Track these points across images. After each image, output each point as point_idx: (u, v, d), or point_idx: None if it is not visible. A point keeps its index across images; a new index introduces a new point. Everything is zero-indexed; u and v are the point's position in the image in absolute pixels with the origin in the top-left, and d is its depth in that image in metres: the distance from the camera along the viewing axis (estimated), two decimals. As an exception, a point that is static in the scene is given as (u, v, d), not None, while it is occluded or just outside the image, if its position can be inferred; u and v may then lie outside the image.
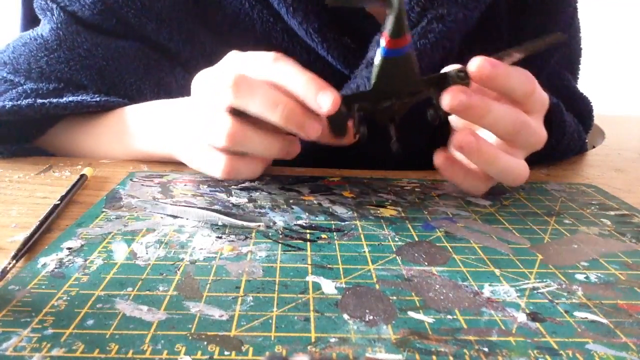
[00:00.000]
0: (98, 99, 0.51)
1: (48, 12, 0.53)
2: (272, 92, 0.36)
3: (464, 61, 0.39)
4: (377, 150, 0.55)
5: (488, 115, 0.36)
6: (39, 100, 0.49)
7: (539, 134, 0.40)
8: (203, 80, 0.41)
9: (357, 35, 0.51)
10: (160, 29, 0.52)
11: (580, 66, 0.64)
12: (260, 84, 0.37)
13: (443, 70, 0.38)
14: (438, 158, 0.40)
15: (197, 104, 0.41)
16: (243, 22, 0.52)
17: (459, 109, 0.36)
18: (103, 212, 0.37)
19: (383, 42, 0.34)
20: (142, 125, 0.50)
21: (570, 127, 0.54)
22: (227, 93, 0.37)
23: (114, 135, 0.51)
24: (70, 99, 0.50)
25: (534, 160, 0.42)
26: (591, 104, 0.62)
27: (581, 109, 0.60)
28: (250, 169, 0.42)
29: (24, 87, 0.52)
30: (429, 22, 0.48)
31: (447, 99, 0.36)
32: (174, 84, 0.53)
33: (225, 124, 0.38)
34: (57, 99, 0.50)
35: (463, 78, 0.36)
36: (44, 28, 0.54)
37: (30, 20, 0.60)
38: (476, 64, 0.36)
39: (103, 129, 0.52)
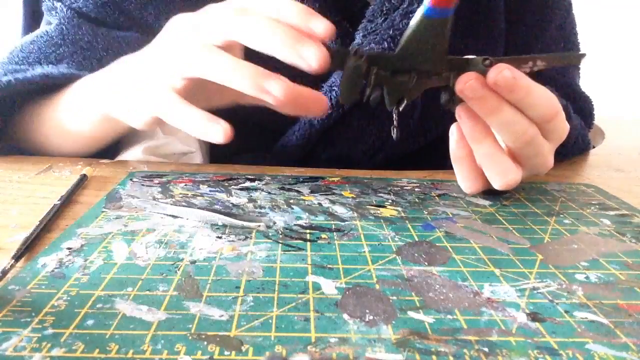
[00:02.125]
0: (65, 71, 0.50)
1: (53, 11, 0.55)
2: (270, 21, 0.34)
3: (455, 52, 0.39)
4: (373, 145, 0.55)
5: (499, 114, 0.36)
6: (4, 78, 0.48)
7: (546, 158, 0.40)
8: (186, 19, 0.38)
9: (355, 20, 0.52)
10: (160, 20, 0.53)
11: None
12: (259, 14, 0.34)
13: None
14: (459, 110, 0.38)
15: (174, 37, 0.38)
16: None
17: (470, 96, 0.35)
18: (103, 212, 0.37)
19: (428, 1, 0.32)
20: (76, 93, 0.48)
21: (575, 131, 0.55)
22: (224, 23, 0.34)
23: (50, 116, 0.50)
24: (37, 72, 0.49)
25: None
26: (592, 103, 0.62)
27: (582, 108, 0.60)
28: (184, 113, 0.37)
29: (4, 69, 0.52)
30: (410, 3, 0.49)
31: (460, 83, 0.35)
32: None
33: (200, 48, 0.35)
34: (23, 74, 0.48)
35: (488, 66, 0.35)
36: (49, 25, 0.55)
37: (31, 22, 0.60)
38: (498, 70, 0.34)
39: (46, 111, 0.51)
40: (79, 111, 0.48)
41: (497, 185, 0.39)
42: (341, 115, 0.51)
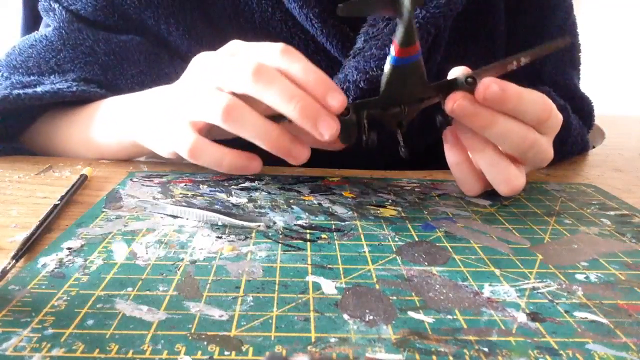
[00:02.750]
0: (75, 88, 0.51)
1: (51, 13, 0.54)
2: (290, 85, 0.35)
3: (455, 56, 0.39)
4: (380, 151, 0.55)
5: (494, 126, 0.36)
6: (15, 92, 0.49)
7: (546, 153, 0.40)
8: (209, 62, 0.39)
9: (356, 24, 0.52)
10: (160, 23, 0.53)
11: (581, 61, 0.64)
12: (279, 76, 0.36)
13: (451, 76, 0.38)
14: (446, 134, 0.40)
15: (195, 83, 0.40)
16: (242, 13, 0.53)
17: (461, 114, 0.36)
18: (103, 212, 0.37)
19: (393, 51, 0.34)
20: (108, 116, 0.49)
21: (574, 130, 0.55)
22: (245, 79, 0.36)
23: (81, 131, 0.51)
24: (47, 88, 0.50)
25: None
26: (592, 104, 0.62)
27: (582, 109, 0.60)
28: (215, 155, 0.39)
29: (11, 79, 0.52)
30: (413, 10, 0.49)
31: (449, 103, 0.35)
32: (173, 76, 0.53)
33: (227, 102, 0.37)
34: (32, 89, 0.50)
35: (471, 84, 0.36)
36: (48, 28, 0.54)
37: (31, 23, 0.60)
38: (485, 84, 0.35)
39: (73, 126, 0.52)
40: (108, 130, 0.49)
41: (503, 192, 0.39)
42: None
